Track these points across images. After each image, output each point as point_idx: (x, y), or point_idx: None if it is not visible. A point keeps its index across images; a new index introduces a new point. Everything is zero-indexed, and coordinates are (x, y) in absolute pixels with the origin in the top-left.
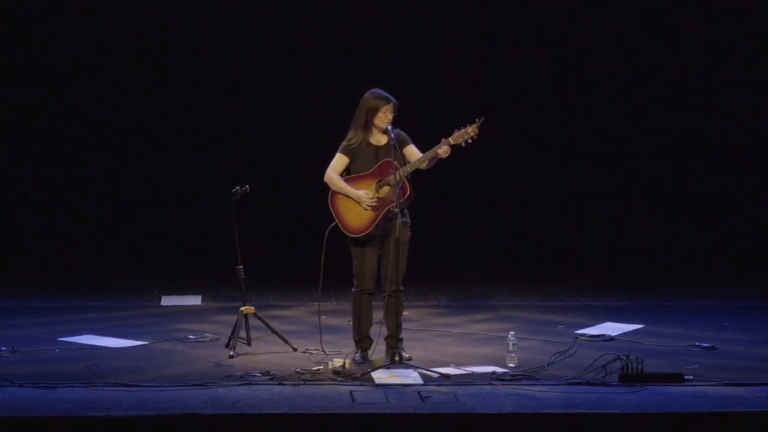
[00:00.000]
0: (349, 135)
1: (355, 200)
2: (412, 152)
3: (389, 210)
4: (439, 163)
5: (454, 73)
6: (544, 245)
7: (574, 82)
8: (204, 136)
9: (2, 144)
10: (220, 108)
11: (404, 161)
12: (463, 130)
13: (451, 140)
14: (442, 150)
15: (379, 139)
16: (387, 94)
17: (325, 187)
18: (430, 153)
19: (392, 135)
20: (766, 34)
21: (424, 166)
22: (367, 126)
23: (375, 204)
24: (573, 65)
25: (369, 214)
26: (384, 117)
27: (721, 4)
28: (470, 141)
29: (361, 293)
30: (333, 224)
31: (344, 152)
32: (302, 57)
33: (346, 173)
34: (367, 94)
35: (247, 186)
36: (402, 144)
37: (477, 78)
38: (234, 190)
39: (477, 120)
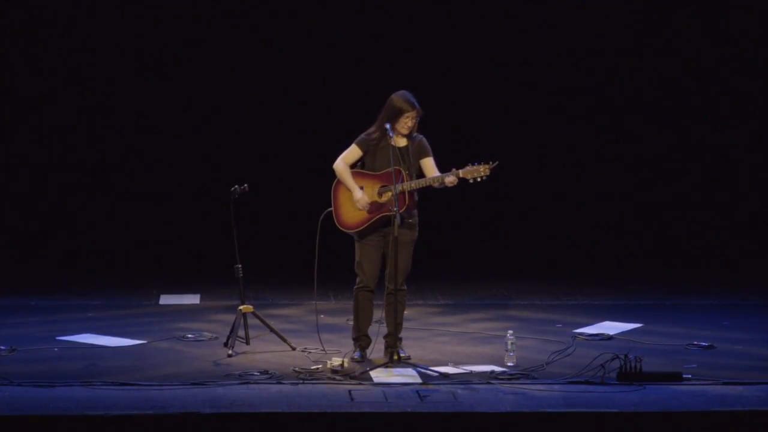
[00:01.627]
0: (371, 129)
1: (353, 198)
2: (429, 165)
3: (381, 218)
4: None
5: (454, 73)
6: (543, 244)
7: (574, 83)
8: (203, 135)
9: (1, 143)
10: (219, 107)
11: (418, 170)
12: (474, 167)
13: (460, 173)
14: (449, 180)
15: (397, 141)
16: (413, 100)
17: (330, 177)
18: (437, 178)
19: (391, 134)
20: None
21: (435, 185)
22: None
23: (368, 208)
24: (573, 66)
25: (363, 215)
26: (405, 122)
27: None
28: (479, 180)
29: (361, 290)
30: (328, 210)
31: (360, 144)
32: (302, 57)
33: (361, 165)
34: (393, 96)
35: (245, 185)
36: (421, 154)
37: (477, 77)
38: (233, 188)
39: (491, 162)
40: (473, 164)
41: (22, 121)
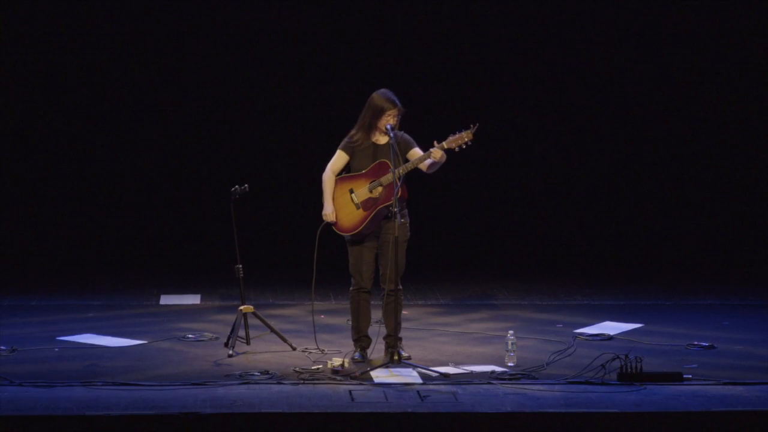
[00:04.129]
0: (352, 132)
1: (325, 208)
2: (416, 155)
3: (380, 210)
4: (442, 167)
5: (454, 73)
6: (544, 244)
7: (574, 83)
8: (203, 135)
9: (2, 144)
10: (219, 108)
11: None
12: (457, 135)
13: (444, 144)
14: (436, 154)
15: (380, 138)
16: (394, 98)
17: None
18: (423, 157)
19: (391, 134)
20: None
21: (425, 167)
22: (371, 126)
23: (333, 222)
24: (570, 66)
25: (360, 214)
26: (387, 120)
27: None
28: (464, 147)
29: (358, 292)
30: (325, 222)
31: (344, 149)
32: (302, 57)
33: (347, 170)
34: (375, 94)
35: (246, 185)
36: (406, 147)
37: (477, 76)
38: (233, 189)
39: (472, 126)
40: (454, 133)
41: (23, 122)
